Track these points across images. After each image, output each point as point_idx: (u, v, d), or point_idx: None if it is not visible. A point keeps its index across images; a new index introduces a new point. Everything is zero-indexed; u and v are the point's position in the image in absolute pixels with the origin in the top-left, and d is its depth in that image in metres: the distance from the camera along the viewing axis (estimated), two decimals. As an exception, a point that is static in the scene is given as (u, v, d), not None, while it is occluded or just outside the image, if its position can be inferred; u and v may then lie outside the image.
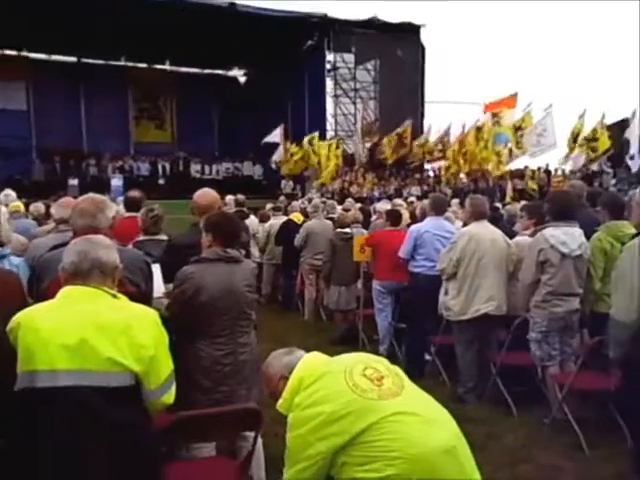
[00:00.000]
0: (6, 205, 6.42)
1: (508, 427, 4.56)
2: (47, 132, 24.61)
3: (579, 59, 63.68)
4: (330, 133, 26.19)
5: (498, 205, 10.36)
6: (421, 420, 2.24)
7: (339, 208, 9.88)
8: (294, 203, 11.40)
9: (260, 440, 3.14)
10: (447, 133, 22.53)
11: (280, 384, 2.45)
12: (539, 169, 20.32)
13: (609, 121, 17.29)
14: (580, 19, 64.41)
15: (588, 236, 4.59)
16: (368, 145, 24.79)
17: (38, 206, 7.34)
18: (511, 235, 5.48)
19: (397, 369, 2.46)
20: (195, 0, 21.81)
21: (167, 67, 28.98)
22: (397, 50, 25.23)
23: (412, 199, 12.90)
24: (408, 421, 2.21)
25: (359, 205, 10.80)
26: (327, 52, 25.85)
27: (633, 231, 3.66)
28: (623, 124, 17.53)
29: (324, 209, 9.16)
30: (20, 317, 2.19)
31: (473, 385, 5.17)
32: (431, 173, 24.10)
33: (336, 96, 27.27)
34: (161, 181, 24.66)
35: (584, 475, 3.86)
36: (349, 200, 12.08)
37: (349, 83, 27.25)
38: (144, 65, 28.41)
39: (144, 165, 25.16)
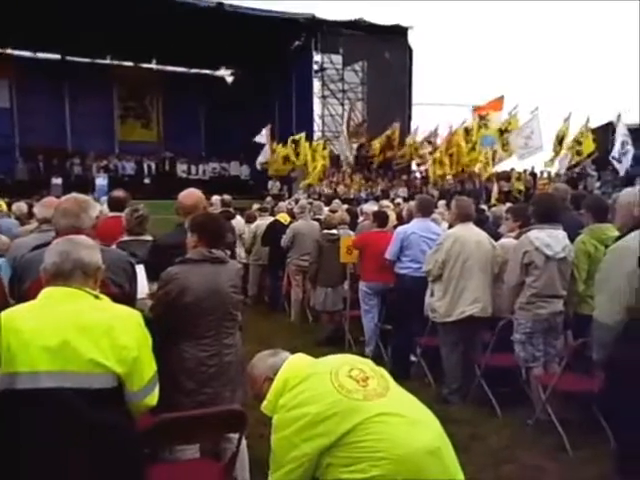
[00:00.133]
0: (-12, 204, 6.34)
1: (492, 428, 4.58)
2: (31, 131, 24.31)
3: (565, 62, 64.32)
4: (317, 134, 26.20)
5: (484, 207, 10.42)
6: (406, 421, 2.25)
7: (326, 209, 9.88)
8: (281, 204, 11.38)
9: (244, 442, 3.12)
10: (434, 134, 22.63)
11: (265, 385, 2.44)
12: (525, 171, 20.47)
13: (593, 125, 17.48)
14: (566, 23, 65.04)
15: (572, 239, 4.62)
16: (355, 146, 24.83)
17: (21, 205, 7.28)
18: (496, 237, 5.51)
19: (382, 370, 2.46)
20: (183, 4, 21.70)
21: (153, 66, 28.75)
22: (385, 52, 25.29)
23: (399, 200, 12.93)
24: (393, 422, 2.22)
25: (346, 206, 10.81)
26: (315, 53, 25.86)
27: (616, 234, 3.69)
28: (608, 128, 17.72)
29: (311, 210, 9.16)
30: (1, 318, 2.15)
31: (458, 386, 5.19)
32: (418, 174, 24.19)
33: (324, 97, 27.29)
34: (147, 181, 24.45)
35: (567, 476, 3.88)
36: (336, 201, 12.08)
37: (337, 84, 27.28)
38: (130, 64, 28.21)
39: (129, 164, 24.94)
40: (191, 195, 4.00)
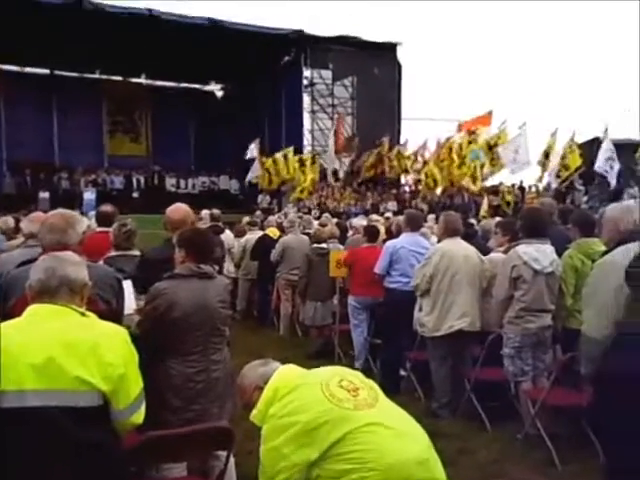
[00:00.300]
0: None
1: (481, 442, 4.57)
2: (18, 145, 24.16)
3: (552, 78, 65.18)
4: (307, 148, 26.28)
5: (473, 221, 10.46)
6: (395, 432, 2.26)
7: (315, 223, 9.88)
8: (270, 218, 11.38)
9: (232, 459, 3.09)
10: (423, 148, 22.76)
11: (255, 395, 2.43)
12: (513, 185, 20.62)
13: (580, 139, 17.66)
14: (553, 39, 65.98)
15: (560, 253, 4.65)
16: (346, 160, 24.93)
17: (7, 220, 7.21)
18: (485, 251, 5.53)
19: (372, 383, 2.48)
20: (172, 18, 21.80)
21: (143, 80, 28.81)
22: (374, 68, 25.51)
23: (388, 214, 12.97)
24: (382, 433, 2.23)
25: (335, 220, 10.82)
26: (304, 68, 26.00)
27: (603, 248, 3.71)
28: (594, 142, 17.89)
29: (300, 224, 9.16)
30: None
31: (447, 401, 5.18)
32: (407, 188, 24.30)
33: (313, 112, 27.42)
34: (135, 195, 24.38)
35: (557, 491, 3.88)
36: (326, 215, 12.10)
37: (326, 99, 27.44)
38: (119, 78, 28.23)
39: (118, 178, 24.86)
40: (178, 210, 3.99)
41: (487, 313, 5.08)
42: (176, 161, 26.74)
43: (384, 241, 6.68)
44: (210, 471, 3.21)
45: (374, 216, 10.46)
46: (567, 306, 4.59)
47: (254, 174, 22.33)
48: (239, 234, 9.56)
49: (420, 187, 22.03)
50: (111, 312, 2.78)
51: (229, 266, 8.89)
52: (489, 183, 20.57)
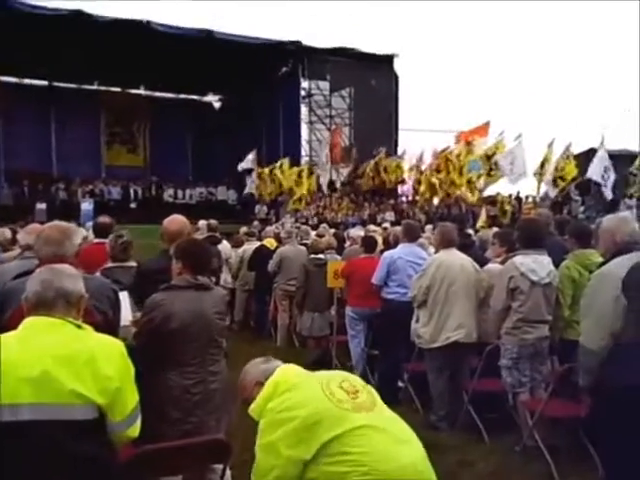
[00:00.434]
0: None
1: (480, 454, 4.54)
2: (16, 155, 24.24)
3: (549, 89, 65.58)
4: (305, 159, 26.36)
5: (470, 232, 10.45)
6: (391, 438, 2.27)
7: (313, 234, 9.88)
8: (268, 228, 11.37)
9: (229, 472, 3.07)
10: (420, 159, 22.82)
11: (255, 390, 2.44)
12: (510, 196, 20.67)
13: (576, 150, 17.73)
14: (550, 50, 66.50)
15: (557, 264, 4.66)
16: (344, 171, 24.98)
17: (4, 231, 7.17)
18: (483, 261, 5.53)
19: (370, 388, 2.50)
20: (170, 30, 21.90)
21: (141, 91, 28.94)
22: (371, 80, 25.65)
23: (386, 225, 12.97)
24: (378, 437, 2.24)
25: (333, 231, 10.83)
26: (302, 79, 26.14)
27: (600, 259, 3.71)
28: (590, 153, 17.96)
29: (298, 234, 9.17)
30: None
31: (445, 413, 5.16)
32: (404, 199, 24.35)
33: (311, 122, 27.53)
34: (133, 205, 24.43)
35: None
36: (323, 226, 12.11)
37: (324, 110, 27.57)
38: (118, 89, 28.33)
39: (115, 189, 24.91)
40: (175, 221, 4.00)
41: (485, 324, 5.07)
42: (174, 172, 26.81)
43: (382, 252, 6.68)
44: (206, 484, 3.18)
45: (372, 226, 10.46)
46: (564, 317, 4.59)
47: (252, 185, 22.37)
48: (237, 245, 9.56)
49: (417, 197, 22.08)
50: (107, 323, 2.78)
51: (226, 277, 8.88)
52: (486, 193, 20.63)
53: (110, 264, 4.31)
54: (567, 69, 65.87)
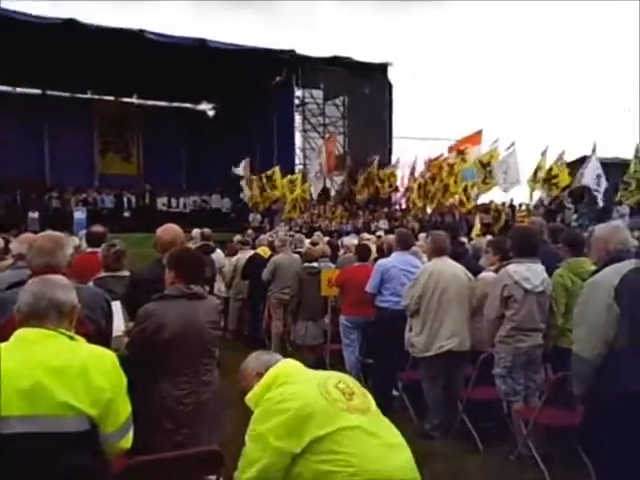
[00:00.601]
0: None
1: (474, 463, 4.54)
2: (9, 164, 24.05)
3: (542, 97, 66.01)
4: (299, 167, 26.41)
5: (464, 240, 10.46)
6: (381, 443, 2.30)
7: (307, 242, 9.87)
8: (262, 236, 11.36)
9: (222, 483, 3.04)
10: (413, 167, 22.89)
11: (255, 380, 2.49)
12: (504, 204, 20.74)
13: (569, 158, 17.84)
14: (544, 58, 67.05)
15: (550, 272, 4.67)
16: (338, 179, 25.00)
17: (-3, 240, 7.14)
18: (476, 270, 5.53)
19: (366, 392, 2.55)
20: (164, 39, 21.95)
21: (135, 100, 28.94)
22: (365, 88, 25.76)
23: (380, 233, 12.99)
24: (368, 440, 2.27)
25: (327, 239, 10.82)
26: (296, 88, 26.23)
27: (593, 268, 3.72)
28: (582, 161, 18.07)
29: (292, 243, 9.15)
30: None
31: (440, 421, 5.14)
32: (398, 207, 24.39)
33: (304, 131, 27.61)
34: (126, 214, 24.33)
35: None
36: (317, 234, 12.10)
37: (318, 118, 27.65)
38: (111, 98, 28.33)
39: (109, 198, 24.79)
40: (169, 230, 3.99)
41: (478, 332, 5.07)
42: (167, 180, 26.76)
43: (375, 260, 6.68)
44: (199, 495, 3.16)
45: (365, 235, 10.47)
46: (558, 325, 4.60)
47: (248, 193, 22.37)
48: (231, 253, 9.53)
49: (411, 205, 22.12)
50: (100, 333, 2.77)
51: (220, 285, 8.85)
52: (480, 201, 20.70)
53: (103, 273, 4.29)
54: (559, 78, 66.40)
